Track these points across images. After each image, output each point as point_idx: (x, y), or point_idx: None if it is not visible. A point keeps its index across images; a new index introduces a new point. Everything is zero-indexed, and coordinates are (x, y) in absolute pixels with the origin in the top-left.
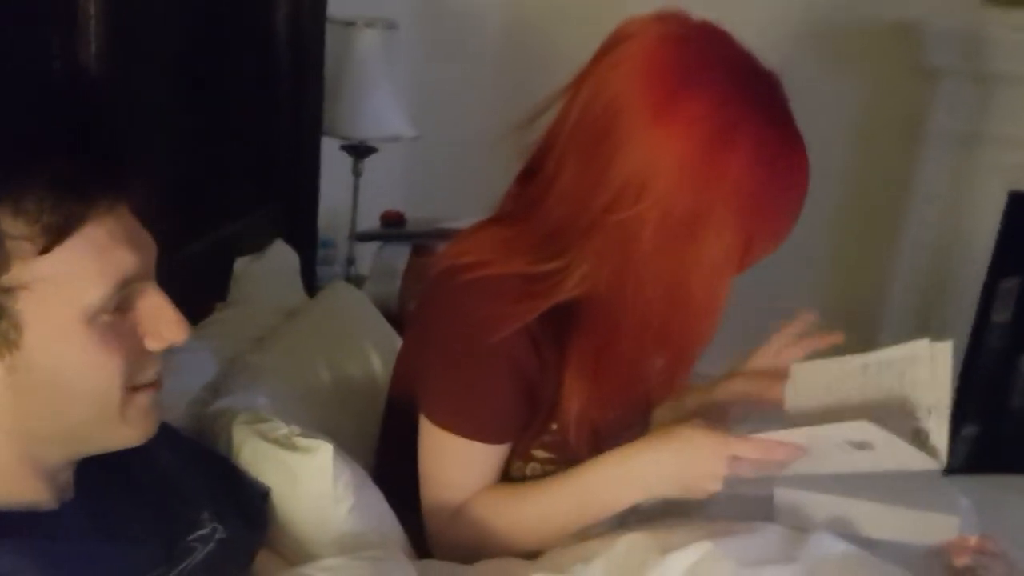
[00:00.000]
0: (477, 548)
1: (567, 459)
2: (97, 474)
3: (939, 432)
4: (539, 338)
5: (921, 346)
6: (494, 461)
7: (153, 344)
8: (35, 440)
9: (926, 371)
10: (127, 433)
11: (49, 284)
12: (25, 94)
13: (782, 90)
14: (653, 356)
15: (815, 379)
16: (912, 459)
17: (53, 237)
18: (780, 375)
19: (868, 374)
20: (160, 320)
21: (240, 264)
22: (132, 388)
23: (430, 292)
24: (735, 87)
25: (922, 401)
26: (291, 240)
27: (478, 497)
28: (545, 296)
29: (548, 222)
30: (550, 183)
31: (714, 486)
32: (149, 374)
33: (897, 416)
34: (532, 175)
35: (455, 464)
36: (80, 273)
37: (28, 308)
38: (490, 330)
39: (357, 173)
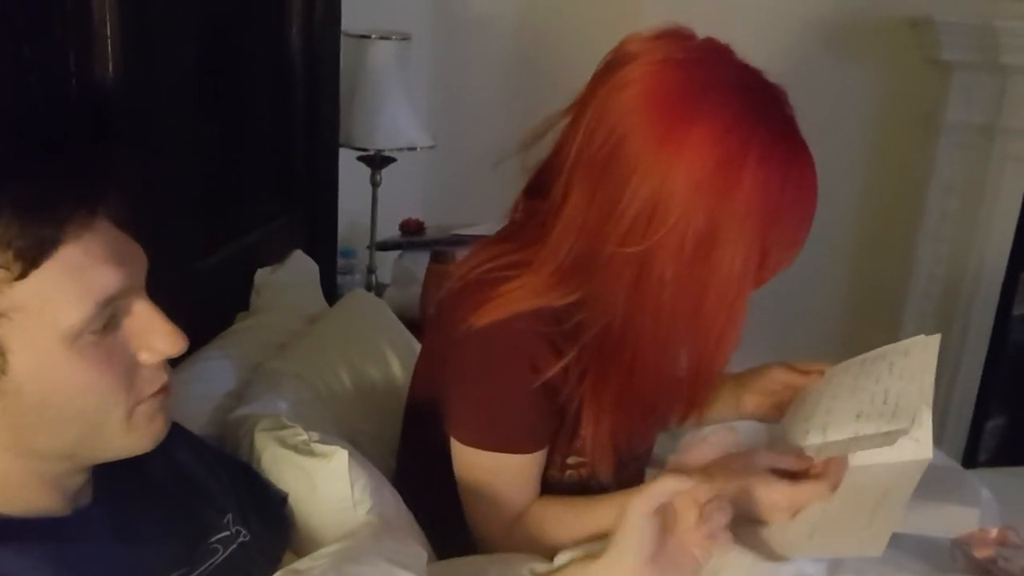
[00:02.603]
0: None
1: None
2: (116, 478)
3: (925, 423)
4: (559, 343)
5: (914, 340)
6: (532, 469)
7: (146, 358)
8: (37, 455)
9: (915, 362)
10: (134, 442)
11: (27, 310)
12: None
13: (788, 103)
14: (672, 376)
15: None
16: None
17: (26, 263)
18: (822, 371)
19: (864, 366)
20: (151, 333)
21: (260, 275)
22: (138, 402)
23: (449, 325)
24: (741, 106)
25: (906, 391)
26: (311, 250)
27: (532, 514)
28: (567, 338)
29: (559, 253)
30: (558, 209)
31: (777, 497)
32: (154, 385)
33: (879, 404)
34: (539, 191)
35: (495, 480)
36: (58, 297)
37: (9, 335)
38: (512, 376)
39: (375, 183)
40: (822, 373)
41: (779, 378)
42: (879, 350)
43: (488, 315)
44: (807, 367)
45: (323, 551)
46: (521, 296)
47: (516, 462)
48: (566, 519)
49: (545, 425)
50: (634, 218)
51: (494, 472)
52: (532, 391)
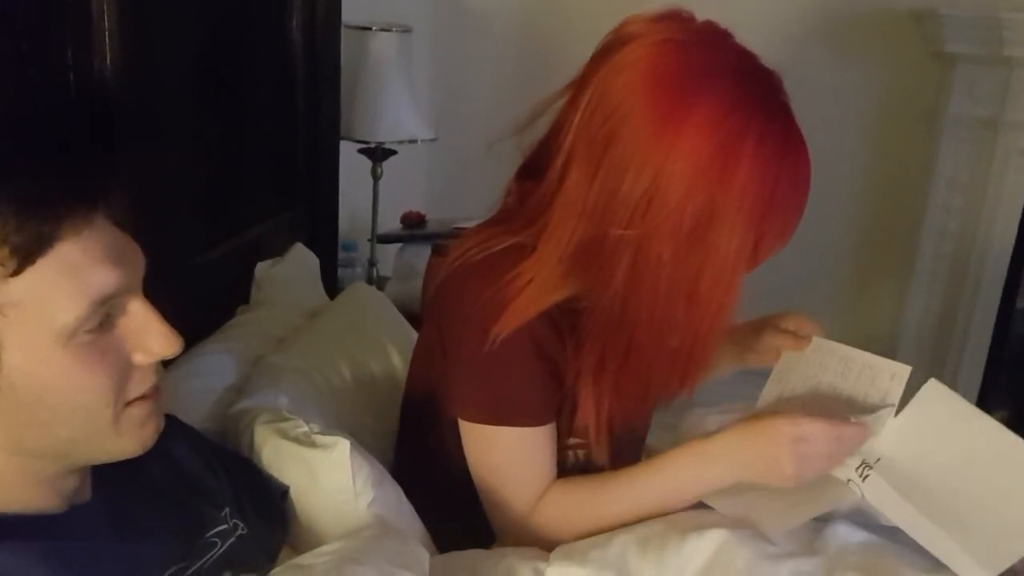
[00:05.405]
0: (556, 543)
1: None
2: (114, 474)
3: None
4: (557, 320)
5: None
6: (544, 445)
7: (141, 359)
8: (29, 454)
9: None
10: (123, 446)
11: (22, 307)
12: None
13: (783, 88)
14: (667, 358)
15: (799, 368)
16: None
17: (22, 259)
18: (808, 333)
19: (848, 373)
20: (147, 334)
21: (261, 268)
22: (126, 403)
23: (451, 317)
24: (739, 91)
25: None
26: (312, 243)
27: (553, 496)
28: (566, 317)
29: (563, 240)
30: (555, 191)
31: (791, 468)
32: (143, 387)
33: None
34: (532, 173)
35: (507, 457)
36: (53, 294)
37: (4, 331)
38: (514, 352)
39: (376, 176)
40: (809, 338)
41: (770, 340)
42: (865, 358)
43: (510, 322)
44: (796, 326)
45: (325, 548)
46: (536, 296)
47: (527, 436)
48: (597, 501)
49: (550, 400)
50: (636, 202)
51: (506, 449)
52: (535, 366)
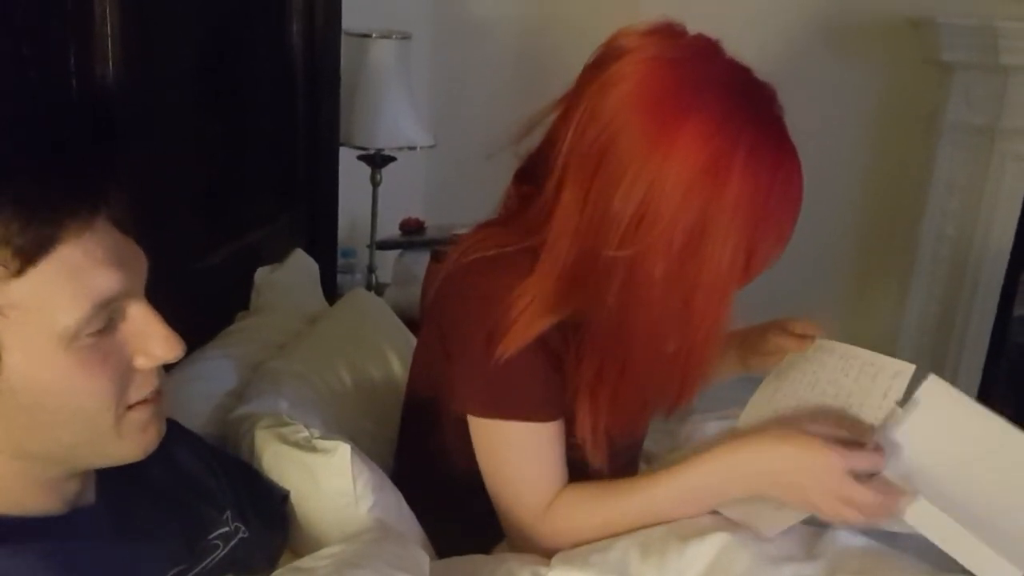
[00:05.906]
0: (568, 548)
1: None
2: (118, 477)
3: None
4: (562, 321)
5: (907, 368)
6: (551, 443)
7: (143, 362)
8: (30, 457)
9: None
10: (125, 450)
11: (24, 309)
12: None
13: (777, 101)
14: (664, 371)
15: (799, 366)
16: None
17: (24, 261)
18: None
19: (849, 370)
20: (148, 337)
21: (260, 274)
22: (127, 407)
23: (450, 320)
24: (730, 103)
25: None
26: (311, 249)
27: (565, 499)
28: (574, 332)
29: (559, 259)
30: (552, 206)
31: (822, 502)
32: (144, 391)
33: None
34: (530, 179)
35: (514, 454)
36: (54, 297)
37: (5, 332)
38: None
39: (375, 182)
40: (813, 338)
41: (776, 341)
42: (868, 356)
43: (513, 343)
44: (802, 329)
45: (325, 551)
46: (535, 315)
47: (534, 432)
48: (611, 504)
49: (558, 395)
50: (628, 220)
51: (516, 446)
52: (540, 362)
